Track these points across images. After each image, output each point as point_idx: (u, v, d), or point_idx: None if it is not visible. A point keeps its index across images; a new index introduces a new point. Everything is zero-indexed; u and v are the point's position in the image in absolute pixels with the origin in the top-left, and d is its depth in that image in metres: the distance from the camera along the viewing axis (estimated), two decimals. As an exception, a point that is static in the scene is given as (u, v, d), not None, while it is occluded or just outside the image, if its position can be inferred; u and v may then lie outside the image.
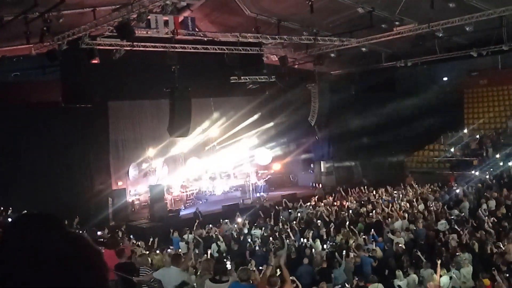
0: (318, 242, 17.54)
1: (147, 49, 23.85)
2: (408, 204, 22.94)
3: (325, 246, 17.52)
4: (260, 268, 12.85)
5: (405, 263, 14.95)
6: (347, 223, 20.02)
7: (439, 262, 13.56)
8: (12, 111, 23.29)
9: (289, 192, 30.33)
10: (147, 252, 15.97)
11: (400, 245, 16.76)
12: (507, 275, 12.74)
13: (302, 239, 18.22)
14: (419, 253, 14.99)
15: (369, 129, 32.76)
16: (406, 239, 17.61)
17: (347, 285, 13.54)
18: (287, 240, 17.49)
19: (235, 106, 31.37)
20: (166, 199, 27.50)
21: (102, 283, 1.86)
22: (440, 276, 13.22)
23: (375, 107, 32.78)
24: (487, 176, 28.12)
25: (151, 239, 18.33)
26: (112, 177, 27.55)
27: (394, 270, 14.33)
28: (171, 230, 20.86)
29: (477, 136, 33.58)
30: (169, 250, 17.63)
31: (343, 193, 27.74)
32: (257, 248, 17.58)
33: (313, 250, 16.74)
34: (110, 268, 9.18)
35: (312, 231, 18.94)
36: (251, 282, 9.77)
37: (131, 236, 19.41)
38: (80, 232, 16.71)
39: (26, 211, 2.60)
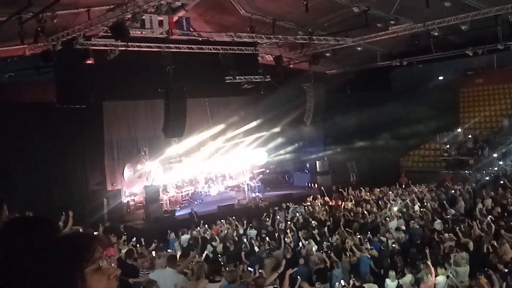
0: (312, 242, 17.46)
1: (142, 49, 23.83)
2: (403, 204, 22.92)
3: (322, 246, 17.44)
4: (260, 270, 12.79)
5: (399, 263, 14.91)
6: (343, 223, 19.96)
7: (429, 262, 13.50)
8: (6, 111, 23.17)
9: (285, 192, 30.28)
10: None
11: (394, 245, 16.72)
12: (505, 273, 12.71)
13: (298, 240, 18.13)
14: (428, 252, 14.88)
15: (365, 128, 32.75)
16: (402, 239, 17.56)
17: (342, 282, 13.46)
18: (283, 241, 17.43)
19: (230, 106, 31.33)
20: (161, 200, 27.43)
21: None
22: (436, 276, 13.17)
23: (371, 107, 32.74)
24: (483, 176, 28.14)
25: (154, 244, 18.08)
26: (107, 177, 27.47)
27: (389, 270, 14.29)
28: (168, 231, 20.77)
29: (469, 136, 33.62)
30: (169, 250, 17.52)
31: (339, 193, 27.69)
32: (255, 248, 17.51)
33: (309, 250, 16.67)
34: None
35: (307, 231, 18.89)
36: (240, 283, 9.75)
37: (134, 239, 19.16)
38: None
39: (19, 215, 2.55)
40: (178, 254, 14.54)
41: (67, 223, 17.00)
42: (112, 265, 2.03)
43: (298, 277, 12.88)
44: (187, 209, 27.06)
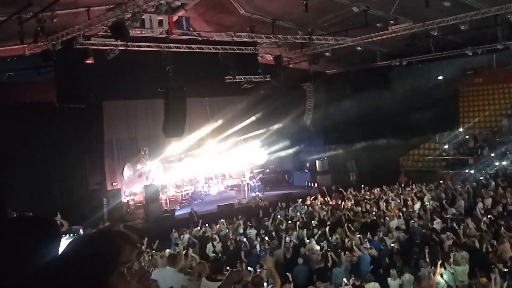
0: (313, 241, 17.48)
1: (142, 49, 23.83)
2: (403, 203, 22.94)
3: (321, 245, 17.45)
4: (258, 270, 12.79)
5: (398, 263, 14.93)
6: (343, 222, 19.97)
7: (439, 262, 13.53)
8: (6, 111, 23.18)
9: (285, 192, 30.30)
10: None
11: (393, 244, 16.73)
12: (505, 272, 12.73)
13: (297, 239, 18.15)
14: (426, 252, 14.90)
15: (365, 128, 32.74)
16: (401, 238, 17.58)
17: (344, 280, 13.48)
18: (284, 240, 17.45)
19: (230, 106, 31.32)
20: (161, 199, 27.46)
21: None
22: (436, 275, 13.19)
23: (370, 106, 32.74)
24: (483, 175, 28.14)
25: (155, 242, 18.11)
26: (107, 177, 27.50)
27: (389, 269, 14.31)
28: (174, 230, 20.78)
29: (467, 136, 33.60)
30: (168, 250, 17.53)
31: (339, 192, 27.70)
32: (256, 248, 17.52)
33: (309, 249, 16.69)
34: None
35: (307, 231, 18.90)
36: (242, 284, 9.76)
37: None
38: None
39: (20, 215, 2.56)
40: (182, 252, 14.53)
41: (62, 226, 17.07)
42: (143, 265, 1.92)
43: (288, 274, 12.89)
44: (187, 208, 27.09)
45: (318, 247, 17.05)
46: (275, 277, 9.61)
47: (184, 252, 13.84)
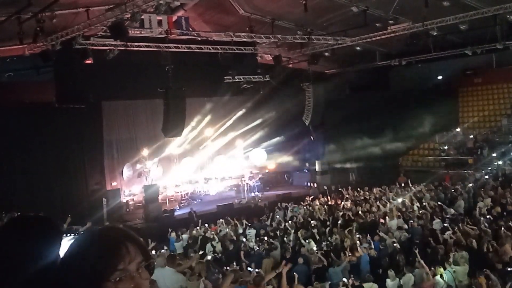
0: (312, 242, 17.47)
1: (141, 49, 23.82)
2: (403, 203, 22.90)
3: (321, 245, 17.44)
4: (257, 270, 12.78)
5: (401, 262, 14.91)
6: (342, 222, 19.94)
7: (421, 261, 13.52)
8: (5, 111, 23.18)
9: (284, 192, 30.29)
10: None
11: (395, 244, 16.72)
12: (505, 272, 12.72)
13: (297, 239, 18.13)
14: (417, 252, 14.88)
15: (364, 128, 32.72)
16: (401, 238, 17.56)
17: (344, 279, 13.46)
18: (284, 240, 17.45)
19: (229, 106, 31.32)
20: (161, 199, 27.44)
21: None
22: (435, 275, 13.18)
23: (370, 106, 32.74)
24: (482, 175, 28.11)
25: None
26: (107, 177, 27.50)
27: (389, 269, 14.28)
28: (169, 230, 20.78)
29: (471, 136, 33.59)
30: (163, 250, 17.51)
31: (338, 192, 27.68)
32: (255, 248, 17.51)
33: (308, 249, 16.67)
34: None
35: (307, 231, 18.89)
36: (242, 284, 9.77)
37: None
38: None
39: (20, 214, 2.56)
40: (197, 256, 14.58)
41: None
42: (140, 272, 1.82)
43: (295, 273, 12.87)
44: (186, 208, 27.11)
45: (316, 247, 17.03)
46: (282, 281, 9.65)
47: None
